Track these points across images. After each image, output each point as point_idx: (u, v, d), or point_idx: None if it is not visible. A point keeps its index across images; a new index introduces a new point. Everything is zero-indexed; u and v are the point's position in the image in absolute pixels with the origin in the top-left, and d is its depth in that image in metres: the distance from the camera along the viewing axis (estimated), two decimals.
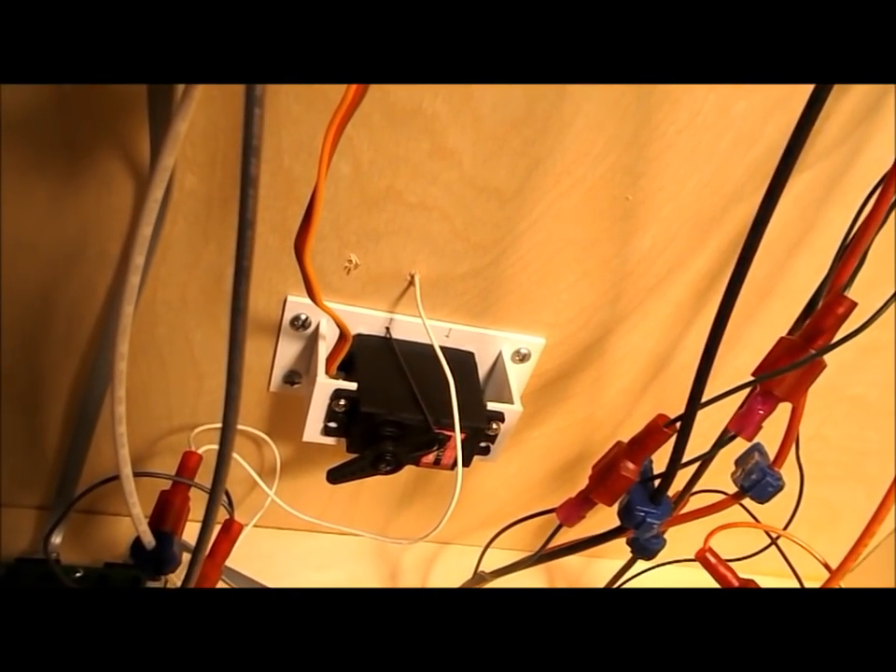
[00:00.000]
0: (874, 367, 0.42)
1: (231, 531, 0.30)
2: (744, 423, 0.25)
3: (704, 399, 0.24)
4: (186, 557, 0.31)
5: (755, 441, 0.30)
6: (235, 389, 0.19)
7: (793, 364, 0.23)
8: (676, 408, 0.28)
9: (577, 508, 0.29)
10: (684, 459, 0.26)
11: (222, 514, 0.34)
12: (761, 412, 0.25)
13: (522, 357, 0.38)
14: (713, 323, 0.22)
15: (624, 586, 0.43)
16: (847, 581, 0.53)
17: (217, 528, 0.33)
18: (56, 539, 0.38)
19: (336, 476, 0.33)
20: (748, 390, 0.26)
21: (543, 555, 0.31)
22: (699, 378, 0.23)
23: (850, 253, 0.25)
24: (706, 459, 0.28)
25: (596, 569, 0.48)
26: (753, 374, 0.25)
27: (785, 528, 0.33)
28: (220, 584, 0.41)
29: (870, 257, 0.28)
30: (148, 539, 0.26)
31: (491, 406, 0.35)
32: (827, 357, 0.25)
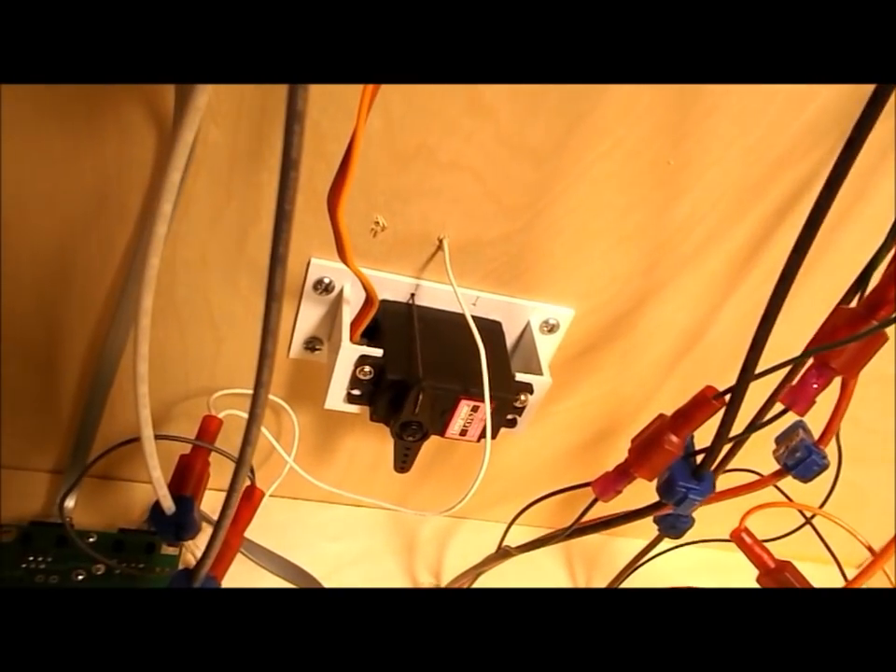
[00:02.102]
0: None
1: (252, 498, 0.29)
2: (797, 396, 0.24)
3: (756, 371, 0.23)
4: (204, 527, 0.30)
5: (797, 418, 0.29)
6: (271, 345, 0.17)
7: (854, 336, 0.22)
8: (707, 384, 0.27)
9: (614, 482, 0.28)
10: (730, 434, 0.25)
11: (244, 482, 0.33)
12: (815, 385, 0.24)
13: (550, 328, 0.37)
14: (774, 288, 0.21)
15: (647, 566, 0.42)
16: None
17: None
18: (70, 504, 0.37)
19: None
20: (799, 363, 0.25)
21: (576, 530, 0.30)
22: (754, 347, 0.22)
23: None
24: (751, 434, 0.27)
25: (617, 547, 0.47)
26: (808, 346, 0.24)
27: (820, 508, 0.32)
28: (241, 558, 0.40)
29: None
30: (168, 504, 0.26)
31: (519, 377, 0.33)
32: (888, 339, 0.24)
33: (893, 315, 0.22)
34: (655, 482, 0.27)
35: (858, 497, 0.48)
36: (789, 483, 0.31)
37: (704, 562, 0.44)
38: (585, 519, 0.30)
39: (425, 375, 0.31)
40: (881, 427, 0.45)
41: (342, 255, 0.26)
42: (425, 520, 0.46)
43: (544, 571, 0.46)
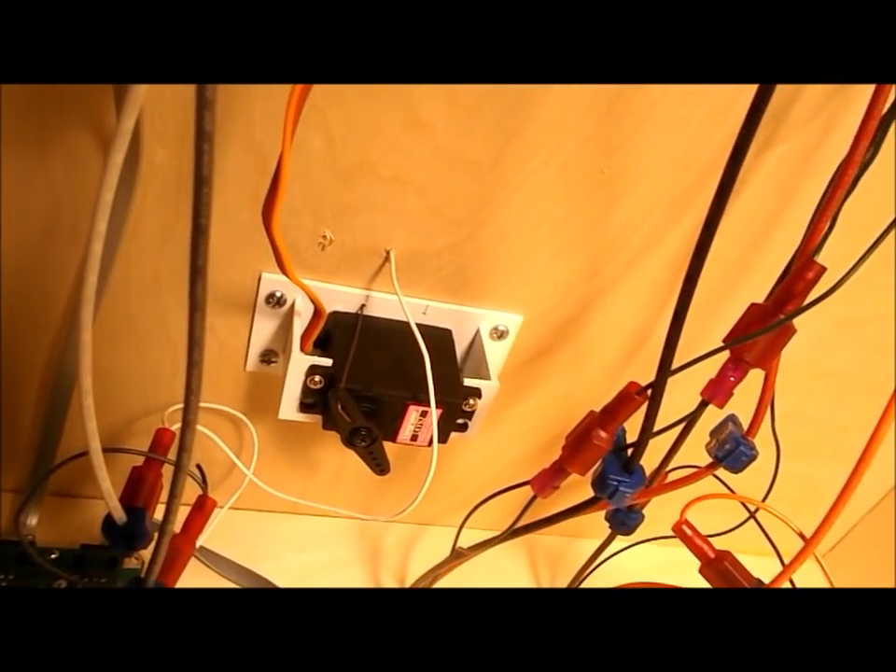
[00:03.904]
0: (851, 342, 0.42)
1: (204, 507, 0.30)
2: (716, 389, 0.25)
3: (674, 367, 0.24)
4: None
5: (729, 411, 0.30)
6: (197, 354, 0.18)
7: (763, 329, 0.23)
8: None
9: (550, 478, 0.29)
10: (657, 428, 0.26)
11: (196, 492, 0.34)
12: (732, 378, 0.25)
13: (500, 335, 0.38)
14: (681, 289, 0.22)
15: (604, 566, 0.43)
16: (833, 559, 0.53)
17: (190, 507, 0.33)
18: (32, 522, 0.37)
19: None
20: (719, 359, 0.26)
21: (519, 528, 0.31)
22: (668, 344, 0.23)
23: (819, 218, 0.25)
24: (682, 428, 0.28)
25: (578, 548, 0.48)
26: (724, 341, 0.25)
27: (763, 501, 0.33)
28: (201, 568, 0.41)
29: (847, 229, 0.28)
30: (119, 515, 0.26)
31: (468, 382, 0.34)
32: (804, 333, 0.25)
33: (800, 307, 0.23)
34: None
35: (810, 490, 0.49)
36: (738, 479, 0.32)
37: (662, 559, 0.45)
38: (533, 519, 0.31)
39: (372, 383, 0.32)
40: (829, 421, 0.46)
41: (282, 268, 0.27)
42: (389, 528, 0.47)
43: (508, 573, 0.47)
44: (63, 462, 0.29)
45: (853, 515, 0.53)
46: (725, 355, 0.25)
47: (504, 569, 0.47)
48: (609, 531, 0.38)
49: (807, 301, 0.23)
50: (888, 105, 0.23)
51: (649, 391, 0.25)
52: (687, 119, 0.32)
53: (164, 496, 0.32)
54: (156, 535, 0.28)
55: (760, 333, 0.23)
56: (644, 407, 0.26)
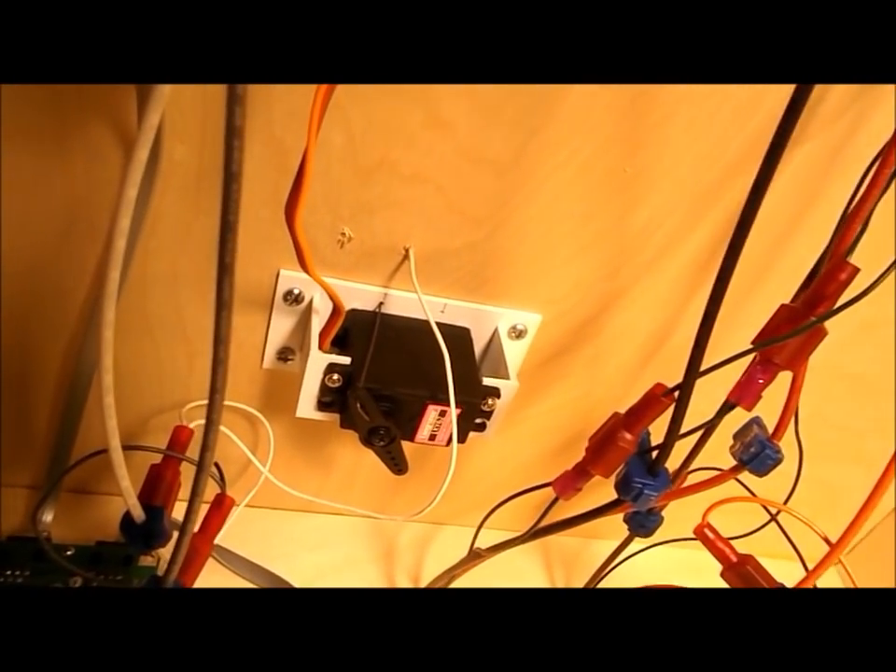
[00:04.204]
0: (873, 344, 0.41)
1: (222, 505, 0.29)
2: (743, 392, 0.25)
3: (702, 369, 0.24)
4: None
5: (754, 414, 0.29)
6: (223, 352, 0.18)
7: (794, 331, 0.23)
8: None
9: (573, 480, 0.28)
10: (683, 430, 0.26)
11: (213, 490, 0.34)
12: (760, 380, 0.25)
13: (518, 334, 0.38)
14: (712, 289, 0.22)
15: (621, 567, 0.43)
16: (849, 561, 0.52)
17: (208, 505, 0.33)
18: (48, 518, 0.37)
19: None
20: (748, 360, 0.26)
21: (539, 530, 0.31)
22: (697, 345, 0.22)
23: (852, 219, 0.25)
24: (705, 430, 0.27)
25: (595, 550, 0.48)
26: (753, 342, 0.25)
27: (784, 504, 0.33)
28: (217, 566, 0.41)
29: (874, 230, 0.28)
30: (138, 513, 0.26)
31: (487, 381, 0.34)
32: (827, 333, 0.25)
33: (832, 309, 0.23)
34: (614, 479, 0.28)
35: (829, 494, 0.49)
36: (757, 482, 0.31)
37: (679, 561, 0.45)
38: (553, 520, 0.31)
39: (391, 382, 0.32)
40: (851, 424, 0.46)
41: (303, 265, 0.27)
42: (404, 527, 0.47)
43: (523, 574, 0.47)
44: (82, 460, 0.29)
45: (873, 517, 0.52)
46: (749, 357, 0.25)
47: (520, 570, 0.46)
48: (628, 533, 0.37)
49: (839, 303, 0.23)
50: None
51: (675, 393, 0.24)
52: (711, 118, 0.31)
53: (181, 493, 0.32)
54: (174, 533, 0.28)
55: (791, 335, 0.23)
56: (669, 409, 0.26)
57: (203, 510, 0.33)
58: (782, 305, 0.25)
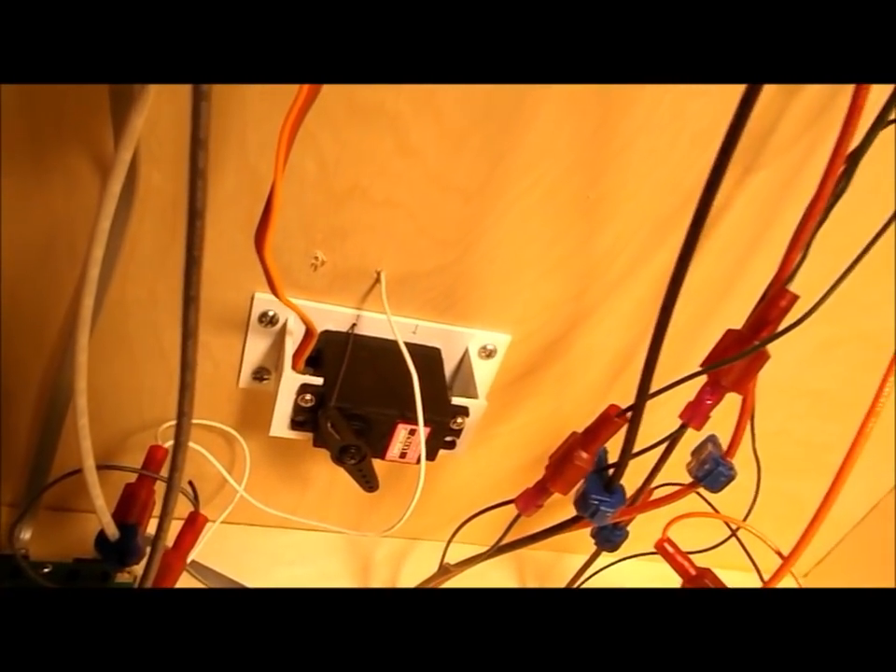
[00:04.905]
0: (833, 361, 0.43)
1: (195, 523, 0.30)
2: (693, 412, 0.26)
3: (653, 390, 0.25)
4: None
5: (710, 432, 0.31)
6: (189, 377, 0.19)
7: (738, 355, 0.24)
8: None
9: (534, 497, 0.29)
10: (639, 448, 0.27)
11: (189, 508, 0.34)
12: (709, 402, 0.26)
13: (488, 353, 0.39)
14: (657, 318, 0.23)
15: (590, 581, 0.44)
16: (815, 579, 0.53)
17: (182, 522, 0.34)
18: (25, 535, 0.38)
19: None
20: (700, 382, 0.27)
21: (503, 546, 0.32)
22: (647, 368, 0.24)
23: (792, 247, 0.26)
24: (666, 448, 0.29)
25: (567, 563, 0.49)
26: (701, 365, 0.26)
27: (744, 520, 0.34)
28: (192, 581, 0.42)
29: (822, 254, 0.29)
30: (112, 531, 0.27)
31: (455, 401, 0.35)
32: (788, 354, 0.26)
33: (774, 333, 0.24)
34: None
35: (796, 507, 0.50)
36: (723, 496, 0.32)
37: (647, 575, 0.46)
38: (518, 535, 0.32)
39: (361, 402, 0.33)
40: (814, 439, 0.47)
41: (273, 291, 0.28)
42: (380, 542, 0.48)
43: (496, 587, 0.47)
44: (58, 479, 0.30)
45: (835, 534, 0.54)
46: (702, 379, 0.26)
47: (493, 584, 0.47)
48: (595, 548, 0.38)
49: (781, 327, 0.24)
50: (855, 142, 0.24)
51: (628, 414, 0.26)
52: (671, 145, 0.33)
53: (157, 510, 0.32)
54: (148, 550, 0.29)
55: (735, 359, 0.24)
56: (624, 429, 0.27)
57: (178, 527, 0.33)
58: (728, 330, 0.26)
